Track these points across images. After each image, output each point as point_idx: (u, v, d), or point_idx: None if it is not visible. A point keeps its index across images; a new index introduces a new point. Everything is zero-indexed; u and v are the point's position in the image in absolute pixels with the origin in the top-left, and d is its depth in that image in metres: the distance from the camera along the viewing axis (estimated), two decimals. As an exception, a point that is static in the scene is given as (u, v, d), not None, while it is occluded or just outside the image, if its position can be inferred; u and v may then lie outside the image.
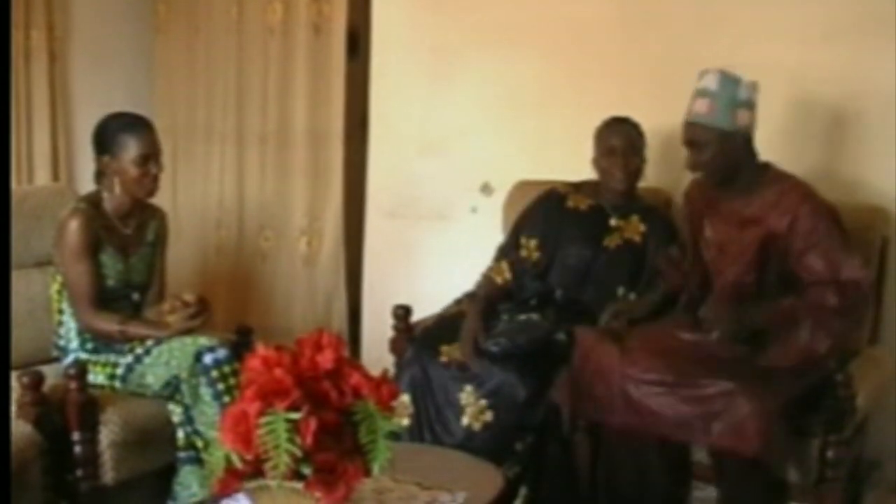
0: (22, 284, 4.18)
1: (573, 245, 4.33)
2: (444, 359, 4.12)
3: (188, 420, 3.77)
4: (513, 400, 3.97)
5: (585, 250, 4.31)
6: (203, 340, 3.80)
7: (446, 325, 4.31)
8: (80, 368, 3.68)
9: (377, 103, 5.49)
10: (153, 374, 3.81)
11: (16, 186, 5.20)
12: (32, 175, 5.41)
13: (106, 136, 3.98)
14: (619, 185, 4.29)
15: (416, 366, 4.13)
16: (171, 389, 3.78)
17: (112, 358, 3.89)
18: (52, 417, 3.59)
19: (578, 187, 4.43)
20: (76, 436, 3.62)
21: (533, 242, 4.39)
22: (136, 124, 4.01)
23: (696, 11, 4.61)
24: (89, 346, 3.93)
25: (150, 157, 3.97)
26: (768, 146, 4.30)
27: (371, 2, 5.43)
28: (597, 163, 4.32)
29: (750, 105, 3.77)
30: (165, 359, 3.79)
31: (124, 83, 5.87)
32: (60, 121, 5.53)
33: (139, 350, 3.86)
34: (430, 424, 4.04)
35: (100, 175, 4.04)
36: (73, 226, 3.88)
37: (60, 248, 3.92)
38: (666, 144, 4.59)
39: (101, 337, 3.91)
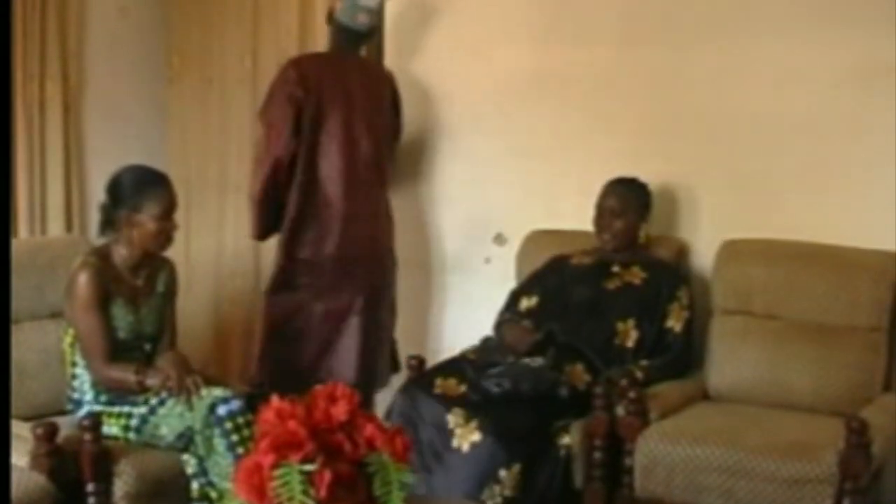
0: (36, 335, 4.20)
1: (575, 288, 4.49)
2: (437, 390, 4.16)
3: (202, 471, 3.76)
4: (505, 425, 4.00)
5: (586, 291, 4.47)
6: (217, 392, 3.80)
7: (448, 362, 4.39)
8: (95, 420, 3.68)
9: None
10: (167, 426, 3.81)
11: (29, 237, 5.22)
12: (46, 226, 5.41)
13: (126, 190, 3.99)
14: (605, 246, 4.56)
15: (406, 396, 4.17)
16: (186, 441, 3.78)
17: (126, 409, 3.89)
18: (66, 469, 3.58)
19: (587, 251, 4.63)
20: (90, 487, 3.61)
21: (534, 299, 4.52)
22: (158, 180, 4.04)
23: (708, 63, 4.63)
24: (103, 398, 3.93)
25: (170, 212, 4.00)
26: (781, 192, 4.35)
27: (384, 54, 5.46)
28: (593, 221, 4.56)
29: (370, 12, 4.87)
30: (179, 410, 3.79)
31: (138, 134, 5.88)
32: (74, 172, 5.54)
33: (153, 401, 3.85)
34: (421, 452, 4.01)
35: (106, 226, 4.05)
36: (83, 279, 3.89)
37: (71, 302, 3.93)
38: (679, 193, 4.64)
39: (117, 388, 3.91)
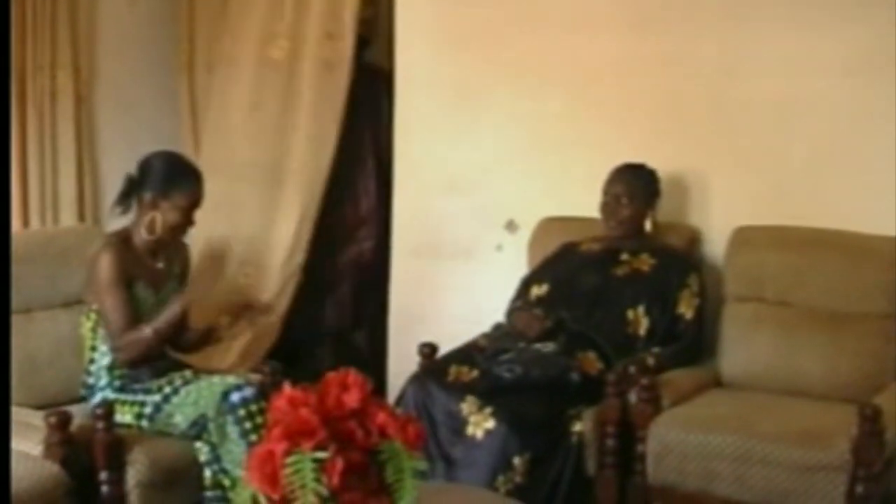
0: (49, 325, 4.21)
1: (583, 275, 4.49)
2: (450, 378, 4.15)
3: (215, 459, 3.77)
4: (518, 413, 4.00)
5: (595, 278, 4.46)
6: (230, 379, 3.82)
7: (461, 350, 4.39)
8: (108, 408, 3.69)
9: (401, 142, 5.50)
10: (180, 414, 3.82)
11: (41, 228, 5.23)
12: (58, 216, 5.42)
13: (161, 173, 4.01)
14: (611, 232, 4.56)
15: (417, 385, 4.16)
16: (198, 428, 3.78)
17: (139, 397, 3.90)
18: (79, 457, 3.59)
19: (596, 237, 4.62)
20: (103, 475, 3.62)
21: (545, 287, 4.50)
22: (193, 172, 4.08)
23: (718, 50, 4.63)
24: (118, 384, 3.94)
25: (195, 207, 4.04)
26: (792, 178, 4.33)
27: (395, 42, 5.46)
28: (600, 208, 4.56)
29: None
30: (193, 398, 3.80)
31: (151, 124, 5.87)
32: (86, 162, 5.53)
33: (167, 389, 3.87)
34: (434, 440, 4.02)
35: (125, 198, 4.03)
36: (106, 259, 3.89)
37: (94, 283, 3.94)
38: (690, 180, 4.63)
39: (141, 353, 3.92)
